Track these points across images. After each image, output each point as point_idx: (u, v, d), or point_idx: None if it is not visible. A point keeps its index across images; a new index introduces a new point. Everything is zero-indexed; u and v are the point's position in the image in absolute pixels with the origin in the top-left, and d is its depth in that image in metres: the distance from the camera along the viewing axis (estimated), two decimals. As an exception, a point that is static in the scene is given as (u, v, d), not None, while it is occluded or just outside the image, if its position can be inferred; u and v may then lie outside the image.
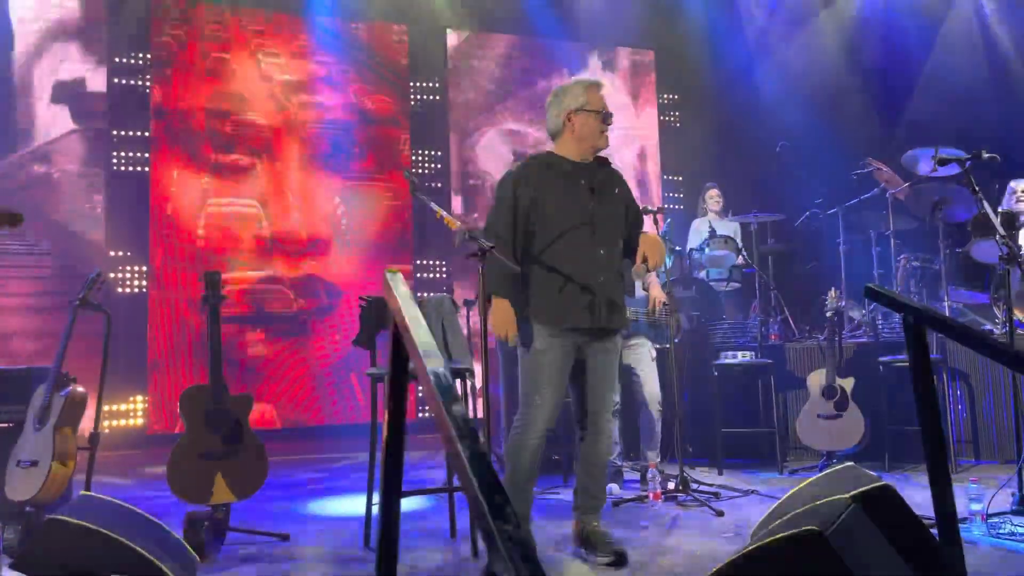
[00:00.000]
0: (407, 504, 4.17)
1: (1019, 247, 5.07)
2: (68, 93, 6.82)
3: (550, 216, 3.12)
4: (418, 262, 7.76)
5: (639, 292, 4.67)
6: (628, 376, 4.70)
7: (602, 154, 3.32)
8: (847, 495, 2.36)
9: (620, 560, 3.04)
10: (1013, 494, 3.43)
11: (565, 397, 3.17)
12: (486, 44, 8.35)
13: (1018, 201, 5.68)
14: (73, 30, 6.88)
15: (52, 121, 6.76)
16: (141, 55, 7.04)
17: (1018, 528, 3.31)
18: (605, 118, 3.22)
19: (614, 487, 4.50)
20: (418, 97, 8.00)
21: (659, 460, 4.52)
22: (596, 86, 3.25)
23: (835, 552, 1.94)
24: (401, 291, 1.32)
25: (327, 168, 7.51)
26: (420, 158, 7.93)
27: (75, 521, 2.43)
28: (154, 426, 6.69)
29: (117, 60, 6.97)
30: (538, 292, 3.11)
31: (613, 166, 3.36)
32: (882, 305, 1.65)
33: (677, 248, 6.13)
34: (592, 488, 3.21)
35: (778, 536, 2.00)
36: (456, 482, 3.73)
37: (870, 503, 2.31)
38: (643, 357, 4.63)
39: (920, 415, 1.54)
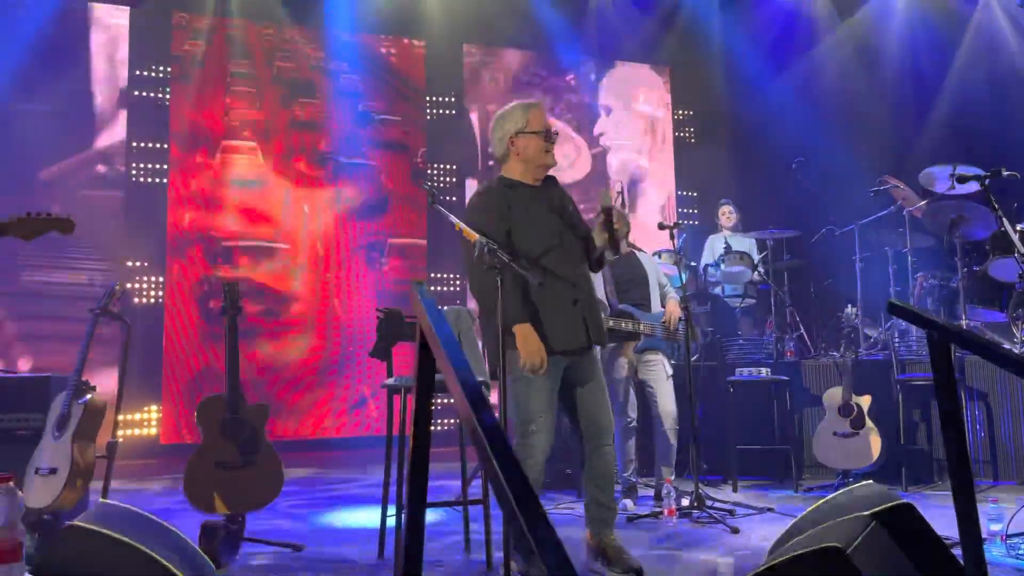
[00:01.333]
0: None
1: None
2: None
3: (524, 240, 3.12)
4: (433, 275, 7.78)
5: (656, 307, 4.66)
6: (643, 392, 4.69)
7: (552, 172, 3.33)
8: (867, 513, 2.34)
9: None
10: (1033, 515, 3.39)
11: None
12: (502, 59, 8.40)
13: None
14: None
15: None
16: (160, 67, 7.13)
17: (1038, 549, 3.27)
18: (548, 136, 3.22)
19: (628, 503, 4.47)
20: (434, 111, 8.05)
21: (674, 476, 4.50)
22: (536, 107, 3.26)
23: (855, 570, 1.92)
24: (428, 301, 1.33)
25: (343, 181, 7.55)
26: (436, 171, 7.97)
27: (93, 527, 2.44)
28: (168, 436, 6.71)
29: (136, 72, 7.05)
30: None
31: (559, 184, 3.37)
32: (906, 321, 1.65)
33: (692, 264, 6.13)
34: (603, 500, 3.20)
35: (798, 552, 1.98)
36: (471, 495, 3.72)
37: (890, 522, 2.29)
38: (659, 374, 4.62)
39: (944, 432, 1.53)
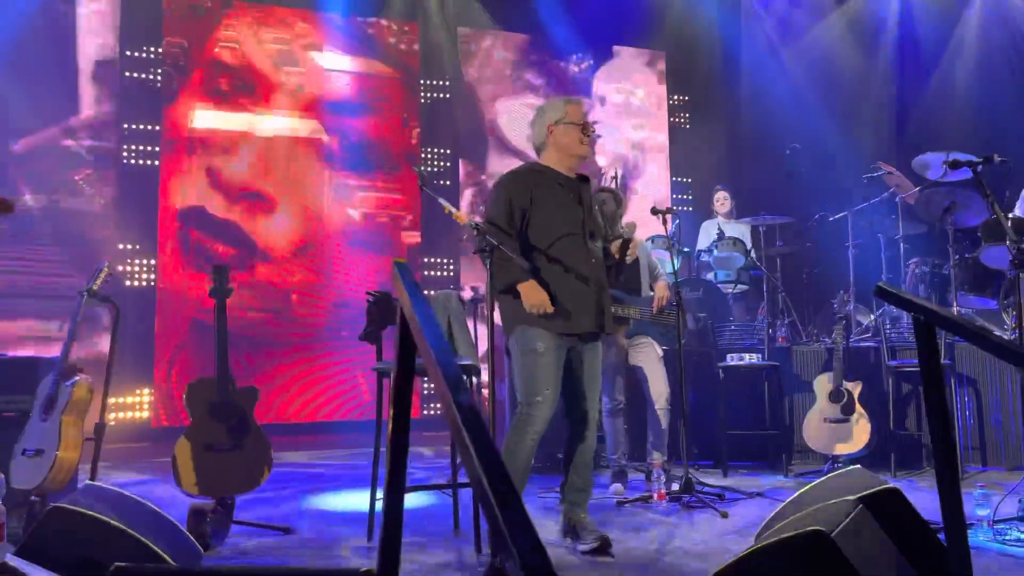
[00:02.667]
0: (411, 500, 4.17)
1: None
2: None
3: (545, 221, 3.26)
4: (425, 259, 7.76)
5: (646, 291, 4.67)
6: (635, 376, 4.69)
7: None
8: (853, 497, 2.35)
9: (604, 544, 3.16)
10: (1020, 500, 3.41)
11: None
12: (497, 42, 8.35)
13: None
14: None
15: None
16: (153, 49, 7.06)
17: (1024, 534, 3.29)
18: (585, 129, 3.39)
19: (619, 487, 4.49)
20: (428, 95, 8.00)
21: (665, 460, 4.51)
22: (576, 102, 3.47)
23: (840, 553, 1.93)
24: (410, 281, 1.32)
25: (336, 164, 7.51)
26: (429, 155, 7.93)
27: (79, 509, 2.43)
28: (160, 419, 6.70)
29: (129, 54, 6.99)
30: None
31: (590, 187, 3.54)
32: (892, 304, 1.64)
33: (685, 249, 6.12)
34: (579, 484, 3.36)
35: (784, 536, 1.99)
36: (460, 479, 3.72)
37: (876, 506, 2.30)
38: (650, 356, 4.63)
39: (929, 415, 1.53)
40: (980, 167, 3.75)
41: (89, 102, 6.86)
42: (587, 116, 3.45)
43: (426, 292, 5.89)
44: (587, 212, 3.38)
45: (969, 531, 3.26)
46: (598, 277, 3.32)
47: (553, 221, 3.26)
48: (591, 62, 8.62)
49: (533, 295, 3.14)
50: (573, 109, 3.40)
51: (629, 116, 8.75)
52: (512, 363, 3.28)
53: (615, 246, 3.48)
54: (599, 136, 8.34)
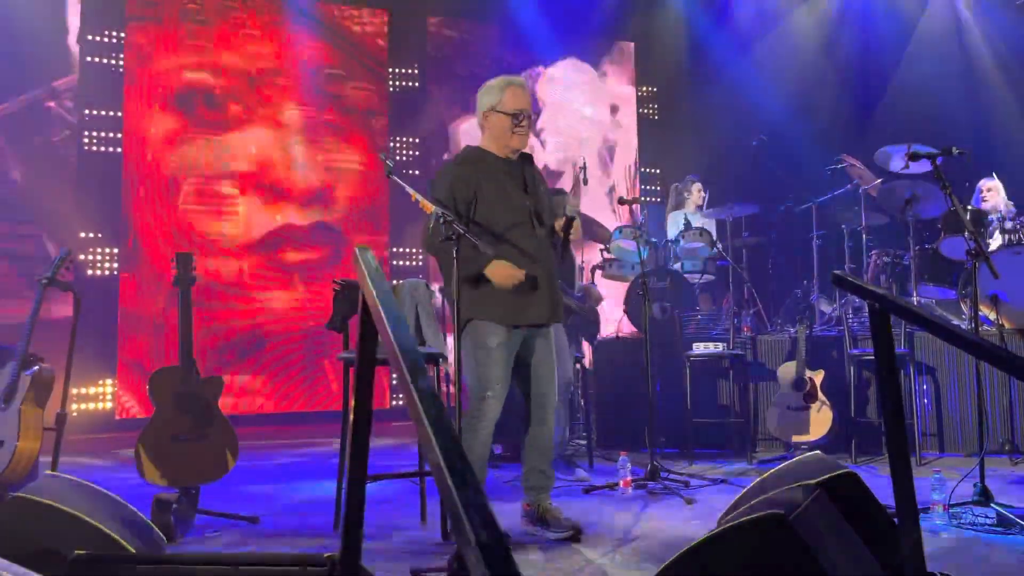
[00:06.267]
0: (379, 489, 4.17)
1: (987, 244, 5.16)
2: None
3: (489, 212, 3.20)
4: (394, 249, 7.74)
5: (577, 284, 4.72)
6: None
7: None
8: (812, 482, 2.39)
9: (576, 534, 3.18)
10: (975, 485, 3.50)
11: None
12: (466, 32, 8.32)
13: (984, 201, 5.78)
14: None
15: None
16: (115, 32, 6.93)
17: (979, 518, 3.37)
18: (517, 117, 3.25)
19: (582, 472, 4.55)
20: (397, 84, 7.95)
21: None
22: (514, 85, 3.31)
23: (798, 535, 1.97)
24: (370, 266, 1.32)
25: (303, 152, 7.45)
26: (398, 145, 7.90)
27: (38, 499, 2.40)
28: (123, 411, 6.62)
29: (90, 38, 6.86)
30: (491, 291, 3.15)
31: (533, 163, 3.46)
32: (848, 291, 1.68)
33: (653, 240, 6.16)
34: (544, 468, 3.34)
35: (742, 520, 2.02)
36: (427, 467, 3.73)
37: (834, 490, 2.34)
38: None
39: (882, 400, 1.57)
40: (939, 159, 3.82)
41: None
42: (526, 103, 3.27)
43: (394, 281, 5.87)
44: (533, 196, 3.30)
45: (926, 515, 3.36)
46: (548, 266, 3.27)
47: (497, 212, 3.19)
48: (560, 52, 8.62)
49: (500, 271, 3.08)
50: (511, 95, 3.24)
51: (596, 108, 8.77)
52: (463, 359, 3.16)
53: (558, 224, 3.34)
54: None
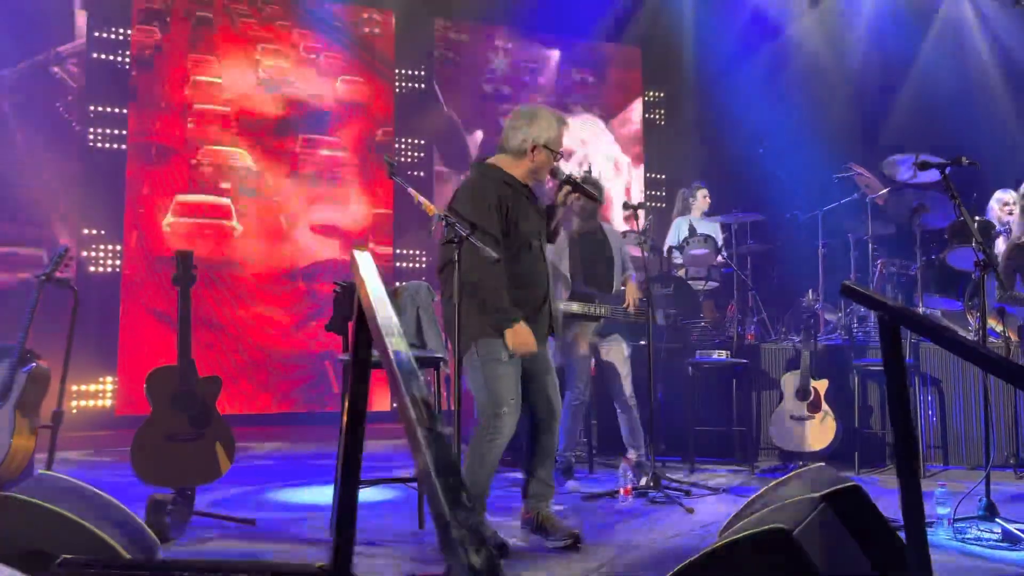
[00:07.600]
0: (376, 495, 4.13)
1: (995, 255, 5.10)
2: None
3: (512, 234, 3.26)
4: (398, 251, 7.70)
5: (617, 287, 4.65)
6: (605, 373, 4.68)
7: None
8: (816, 495, 2.34)
9: (575, 543, 3.18)
10: (980, 500, 3.45)
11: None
12: (472, 34, 8.29)
13: (1009, 213, 5.63)
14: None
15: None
16: (122, 31, 6.92)
17: (984, 533, 3.33)
18: (557, 158, 3.40)
19: (573, 483, 4.51)
20: (403, 85, 7.93)
21: (641, 456, 4.50)
22: (565, 126, 3.41)
23: (801, 550, 1.93)
24: (368, 270, 1.28)
25: (309, 153, 7.42)
26: (404, 146, 7.87)
27: (28, 499, 2.36)
28: (123, 408, 6.59)
29: (97, 35, 6.84)
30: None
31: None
32: (858, 303, 1.64)
33: (653, 246, 6.11)
34: (545, 477, 3.36)
35: (744, 533, 1.98)
36: (426, 472, 3.69)
37: (839, 503, 2.29)
38: (621, 353, 4.64)
39: (892, 414, 1.53)
40: (948, 169, 3.78)
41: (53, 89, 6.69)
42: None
43: (397, 284, 5.83)
44: (540, 222, 3.41)
45: (930, 529, 3.31)
46: (547, 287, 3.38)
47: (519, 235, 3.27)
48: (566, 56, 8.59)
49: (520, 338, 3.14)
50: (561, 136, 3.37)
51: (604, 112, 8.74)
52: (472, 376, 3.19)
53: (562, 196, 3.42)
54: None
